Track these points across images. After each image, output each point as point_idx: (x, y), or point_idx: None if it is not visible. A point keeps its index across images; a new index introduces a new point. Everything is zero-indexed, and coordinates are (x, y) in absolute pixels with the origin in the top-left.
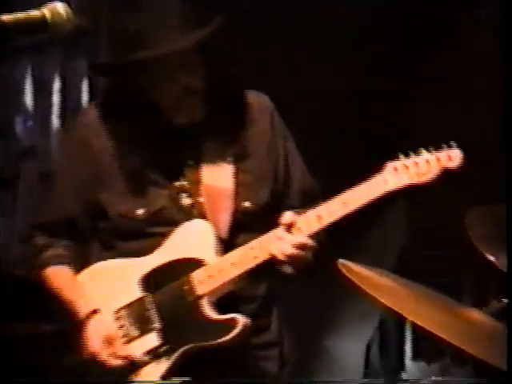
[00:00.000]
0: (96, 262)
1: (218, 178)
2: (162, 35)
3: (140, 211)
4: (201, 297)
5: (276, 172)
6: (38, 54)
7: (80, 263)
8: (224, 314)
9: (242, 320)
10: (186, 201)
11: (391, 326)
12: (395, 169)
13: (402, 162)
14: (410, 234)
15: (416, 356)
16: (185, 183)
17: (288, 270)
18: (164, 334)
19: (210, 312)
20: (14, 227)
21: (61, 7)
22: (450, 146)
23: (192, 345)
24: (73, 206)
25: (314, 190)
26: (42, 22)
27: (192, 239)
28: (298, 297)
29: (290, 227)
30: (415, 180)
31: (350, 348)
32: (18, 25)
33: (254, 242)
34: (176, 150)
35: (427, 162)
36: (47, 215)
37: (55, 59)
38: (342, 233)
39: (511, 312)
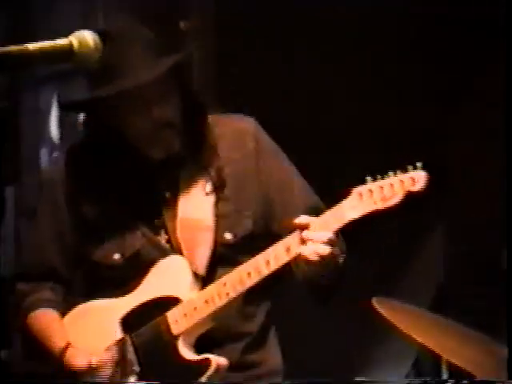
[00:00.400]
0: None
1: (195, 209)
2: (128, 67)
3: (116, 256)
4: (176, 336)
5: (269, 199)
6: (64, 83)
7: (66, 306)
8: (203, 353)
9: (215, 361)
10: (162, 237)
11: (427, 365)
12: (360, 195)
13: (367, 186)
14: (448, 270)
15: None
16: (162, 219)
17: (316, 278)
18: (143, 376)
19: (184, 352)
20: None
21: (89, 36)
22: (415, 168)
23: None
24: (53, 255)
25: (316, 205)
26: (68, 51)
27: (168, 276)
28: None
29: (304, 230)
30: (380, 206)
31: None
32: (44, 54)
33: (226, 278)
34: (151, 185)
35: (391, 185)
36: (28, 264)
37: (81, 88)
38: (379, 268)
39: (511, 315)
